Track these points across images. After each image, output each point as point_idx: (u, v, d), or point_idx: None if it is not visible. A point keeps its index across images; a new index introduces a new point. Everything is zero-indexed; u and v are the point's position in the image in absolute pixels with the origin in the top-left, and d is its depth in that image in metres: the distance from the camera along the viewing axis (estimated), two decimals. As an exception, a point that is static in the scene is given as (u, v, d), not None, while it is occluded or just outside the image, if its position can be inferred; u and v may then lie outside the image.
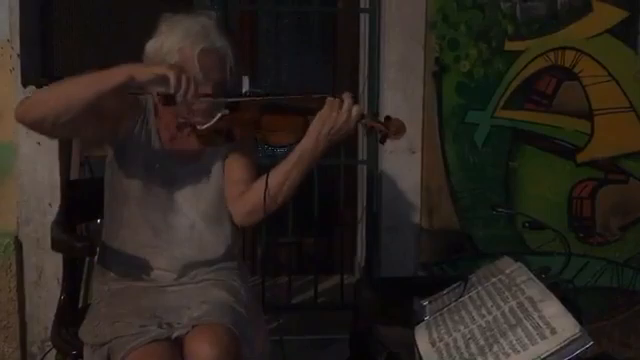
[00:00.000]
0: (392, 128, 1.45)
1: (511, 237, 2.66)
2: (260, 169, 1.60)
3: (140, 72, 1.31)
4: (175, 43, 1.46)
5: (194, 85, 1.33)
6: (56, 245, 1.66)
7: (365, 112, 1.46)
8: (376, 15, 2.63)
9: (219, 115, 1.47)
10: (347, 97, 1.43)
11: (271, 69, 3.26)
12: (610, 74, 2.64)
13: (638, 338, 2.48)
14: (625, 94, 2.66)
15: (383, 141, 1.47)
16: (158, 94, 1.39)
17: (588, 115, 2.66)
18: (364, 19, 2.82)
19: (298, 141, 1.47)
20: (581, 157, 2.68)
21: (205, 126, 1.47)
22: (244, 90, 1.57)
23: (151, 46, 1.50)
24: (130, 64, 1.33)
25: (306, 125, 1.46)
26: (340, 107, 1.41)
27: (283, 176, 1.48)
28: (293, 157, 1.47)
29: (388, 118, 1.46)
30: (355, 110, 1.42)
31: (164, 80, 1.31)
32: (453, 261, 2.66)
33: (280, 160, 1.52)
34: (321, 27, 3.16)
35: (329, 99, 1.43)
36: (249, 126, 1.47)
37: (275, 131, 1.46)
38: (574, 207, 2.69)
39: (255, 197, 1.51)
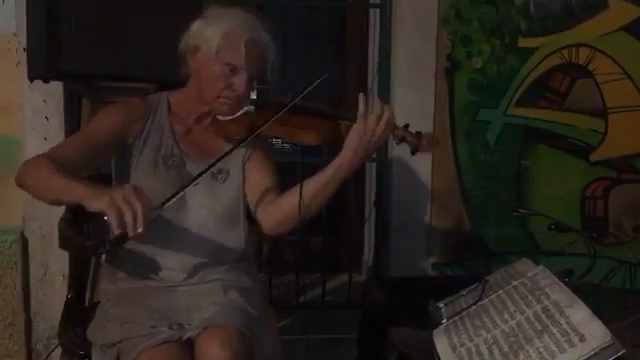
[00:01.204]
0: (424, 141, 1.42)
1: (522, 237, 2.62)
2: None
3: (87, 202, 1.22)
4: (222, 27, 1.46)
5: (142, 216, 1.18)
6: (64, 243, 1.63)
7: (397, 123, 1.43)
8: (387, 10, 2.60)
9: (244, 109, 1.44)
10: (387, 110, 1.40)
11: (280, 64, 3.21)
12: (625, 72, 2.61)
13: (651, 340, 2.44)
14: (640, 92, 2.62)
15: (414, 153, 1.44)
16: (112, 238, 1.22)
17: (602, 113, 2.62)
18: (374, 14, 2.78)
19: (325, 143, 1.44)
20: (594, 156, 2.64)
21: (228, 117, 1.44)
22: (255, 91, 1.53)
23: (197, 25, 1.50)
24: (88, 189, 1.24)
25: (337, 129, 1.42)
26: (377, 121, 1.38)
27: (319, 186, 1.45)
28: (331, 168, 1.44)
29: (419, 133, 1.44)
30: (388, 121, 1.40)
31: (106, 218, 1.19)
32: (463, 261, 2.63)
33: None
34: (330, 22, 3.12)
35: (361, 104, 1.39)
36: (274, 123, 1.43)
37: (302, 129, 1.43)
38: (587, 207, 2.66)
39: (288, 207, 1.48)
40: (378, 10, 2.67)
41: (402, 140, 1.44)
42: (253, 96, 1.50)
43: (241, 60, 1.45)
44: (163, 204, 1.30)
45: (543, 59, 2.58)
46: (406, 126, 1.45)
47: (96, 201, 1.21)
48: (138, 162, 1.52)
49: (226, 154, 1.41)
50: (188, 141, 1.56)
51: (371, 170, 2.90)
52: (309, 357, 2.47)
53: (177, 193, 1.34)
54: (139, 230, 1.18)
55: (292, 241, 2.76)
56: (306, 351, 1.75)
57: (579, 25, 2.58)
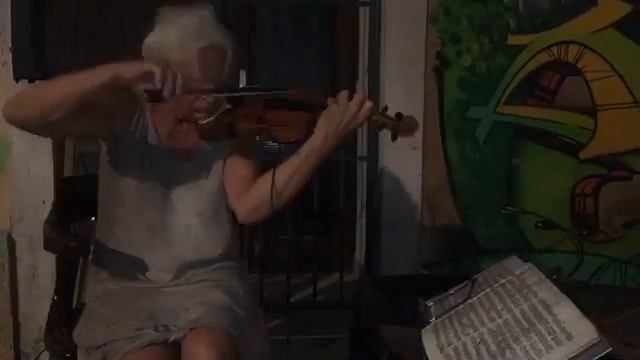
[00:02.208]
0: (404, 125, 1.41)
1: (513, 235, 2.62)
2: (263, 168, 1.56)
3: (125, 70, 1.28)
4: (175, 40, 1.42)
5: (181, 80, 1.31)
6: (49, 245, 1.61)
7: (375, 108, 1.42)
8: (376, 8, 2.59)
9: (221, 109, 1.42)
10: (358, 91, 1.38)
11: (269, 63, 3.21)
12: (614, 69, 2.60)
13: (641, 337, 2.44)
14: (629, 89, 2.62)
15: (394, 138, 1.43)
16: (145, 91, 1.35)
17: (591, 111, 2.62)
18: (364, 12, 2.77)
19: (305, 138, 1.42)
20: (584, 154, 2.64)
21: (206, 120, 1.43)
22: (245, 86, 1.51)
23: (151, 41, 1.45)
24: (116, 63, 1.29)
25: (313, 121, 1.41)
26: (349, 102, 1.37)
27: (291, 172, 1.45)
28: (301, 153, 1.43)
29: (399, 115, 1.42)
30: (367, 106, 1.38)
31: (150, 77, 1.29)
32: (454, 259, 2.62)
33: (286, 157, 1.48)
34: (320, 20, 3.11)
35: (341, 93, 1.39)
36: (253, 121, 1.42)
37: (280, 126, 1.42)
38: (577, 204, 2.66)
39: (261, 193, 1.47)
40: (367, 8, 2.66)
41: (382, 126, 1.43)
42: (243, 83, 1.48)
43: (199, 73, 1.41)
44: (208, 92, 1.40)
45: (532, 57, 2.58)
46: (384, 109, 1.43)
47: (139, 64, 1.30)
48: (123, 160, 1.51)
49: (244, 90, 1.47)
50: (171, 142, 1.54)
51: (362, 169, 2.89)
52: (301, 357, 2.47)
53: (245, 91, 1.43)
54: (178, 92, 1.30)
55: (283, 240, 2.76)
56: (287, 351, 1.74)
57: (568, 22, 2.57)
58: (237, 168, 1.55)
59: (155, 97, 1.34)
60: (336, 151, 2.52)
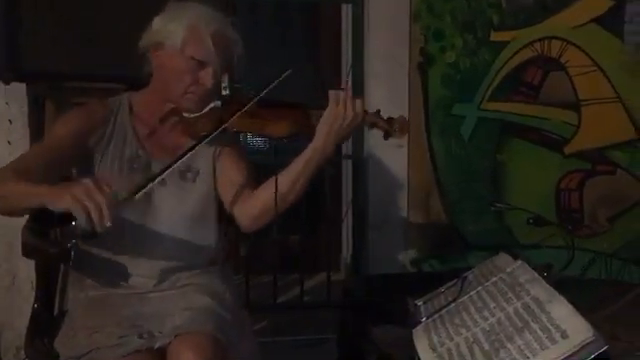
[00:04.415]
0: (395, 126, 1.40)
1: (500, 231, 2.62)
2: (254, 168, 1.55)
3: (50, 202, 1.20)
4: (185, 21, 1.41)
5: (108, 209, 1.16)
6: (27, 251, 1.56)
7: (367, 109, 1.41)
8: (359, 6, 2.57)
9: (211, 105, 1.40)
10: (351, 96, 1.38)
11: (250, 62, 3.17)
12: (596, 64, 2.62)
13: (628, 330, 2.46)
14: (611, 84, 2.64)
15: (387, 137, 1.42)
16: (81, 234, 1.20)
17: (575, 106, 2.64)
18: (347, 9, 2.75)
19: (296, 133, 1.40)
20: (569, 148, 2.65)
21: (194, 114, 1.39)
22: (223, 86, 1.48)
23: (159, 21, 1.44)
24: (48, 188, 1.21)
25: (307, 119, 1.39)
26: (345, 101, 1.36)
27: (293, 178, 1.43)
28: (304, 156, 1.42)
29: (391, 118, 1.42)
30: (358, 107, 1.37)
31: (71, 213, 1.17)
32: (442, 256, 2.62)
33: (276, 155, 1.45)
34: (302, 18, 3.09)
35: (332, 92, 1.37)
36: (243, 117, 1.39)
37: (271, 121, 1.39)
38: (562, 199, 2.67)
39: (264, 199, 1.45)
40: (350, 6, 2.64)
41: (373, 126, 1.42)
42: (226, 92, 1.46)
43: (207, 53, 1.41)
44: (131, 195, 1.27)
45: (516, 52, 2.58)
46: (377, 112, 1.42)
47: (58, 200, 1.18)
48: (101, 168, 1.47)
49: (195, 145, 1.37)
50: (153, 142, 1.51)
51: (347, 167, 2.87)
52: (288, 359, 2.45)
53: (147, 183, 1.29)
54: (107, 224, 1.16)
55: (270, 241, 2.73)
56: (275, 353, 1.71)
57: (551, 18, 2.59)
58: (230, 174, 1.53)
59: (90, 236, 1.18)
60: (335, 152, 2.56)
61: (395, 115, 1.45)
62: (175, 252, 1.49)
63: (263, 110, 1.40)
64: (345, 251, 2.99)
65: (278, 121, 1.40)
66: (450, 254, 2.62)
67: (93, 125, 1.47)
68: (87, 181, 1.18)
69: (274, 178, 1.42)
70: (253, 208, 1.48)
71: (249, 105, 1.38)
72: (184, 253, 1.50)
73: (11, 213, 1.33)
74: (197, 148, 1.40)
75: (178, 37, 1.41)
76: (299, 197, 1.46)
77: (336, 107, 1.36)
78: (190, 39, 1.41)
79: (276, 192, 1.41)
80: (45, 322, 1.62)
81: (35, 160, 1.39)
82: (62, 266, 1.79)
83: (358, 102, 1.37)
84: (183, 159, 1.35)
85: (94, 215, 1.15)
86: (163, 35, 1.42)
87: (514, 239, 2.62)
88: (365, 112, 1.39)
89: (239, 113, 1.38)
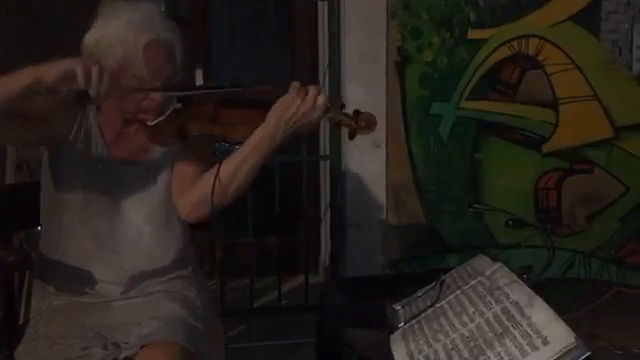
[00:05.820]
0: (361, 122, 1.35)
1: (479, 231, 2.60)
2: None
3: (44, 71, 1.16)
4: (117, 35, 1.33)
5: (108, 77, 1.19)
6: (-13, 260, 1.49)
7: (331, 105, 1.35)
8: (335, 3, 2.53)
9: (171, 109, 1.34)
10: (313, 86, 1.32)
11: (226, 60, 3.11)
12: (573, 62, 2.61)
13: (607, 328, 2.46)
14: (589, 82, 2.63)
15: (352, 136, 1.37)
16: (69, 92, 1.22)
17: (553, 104, 2.63)
18: (323, 8, 2.71)
19: None
20: (546, 147, 2.64)
21: (155, 121, 1.33)
22: (197, 84, 1.43)
23: (90, 38, 1.35)
24: (37, 64, 1.17)
25: None
26: (305, 94, 1.30)
27: (237, 164, 1.37)
28: (249, 143, 1.36)
29: (357, 112, 1.36)
30: (320, 100, 1.31)
31: (71, 76, 1.16)
32: (420, 257, 2.59)
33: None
34: (278, 15, 3.04)
35: (294, 83, 1.32)
36: (205, 121, 1.34)
37: (234, 125, 1.34)
38: (540, 198, 2.66)
39: (204, 187, 1.38)
40: (326, 4, 2.60)
41: (338, 124, 1.37)
42: (199, 82, 1.40)
43: (147, 70, 1.32)
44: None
45: (493, 50, 2.56)
46: (342, 107, 1.37)
47: (59, 63, 1.16)
48: (66, 165, 1.41)
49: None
50: (119, 144, 1.45)
51: (325, 168, 2.83)
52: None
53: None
54: (103, 90, 1.18)
55: (245, 243, 2.68)
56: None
57: (528, 16, 2.57)
58: (183, 166, 1.47)
59: (81, 98, 1.22)
60: (297, 151, 2.51)
61: None
62: (143, 256, 1.43)
63: (226, 113, 1.35)
64: (324, 253, 2.95)
65: (240, 125, 1.35)
66: (429, 255, 2.59)
67: (64, 111, 1.38)
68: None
69: (217, 166, 1.36)
70: (193, 195, 1.42)
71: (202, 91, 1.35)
72: (152, 257, 1.43)
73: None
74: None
75: (113, 58, 1.32)
76: (245, 186, 1.39)
77: (295, 95, 1.31)
78: (125, 59, 1.32)
79: (216, 177, 1.34)
80: (7, 333, 1.56)
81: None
82: (28, 274, 1.73)
83: (321, 96, 1.32)
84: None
85: (95, 74, 1.16)
86: (98, 55, 1.32)
87: (493, 239, 2.60)
88: (327, 108, 1.34)
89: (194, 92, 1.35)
